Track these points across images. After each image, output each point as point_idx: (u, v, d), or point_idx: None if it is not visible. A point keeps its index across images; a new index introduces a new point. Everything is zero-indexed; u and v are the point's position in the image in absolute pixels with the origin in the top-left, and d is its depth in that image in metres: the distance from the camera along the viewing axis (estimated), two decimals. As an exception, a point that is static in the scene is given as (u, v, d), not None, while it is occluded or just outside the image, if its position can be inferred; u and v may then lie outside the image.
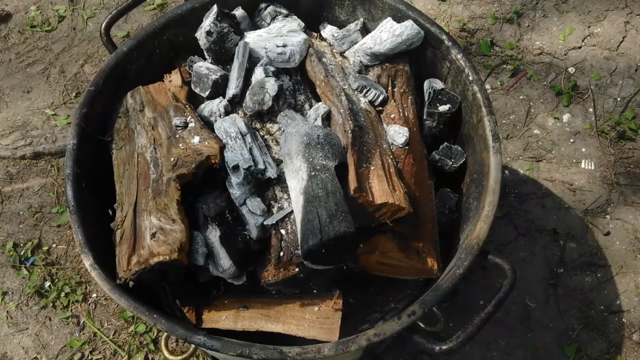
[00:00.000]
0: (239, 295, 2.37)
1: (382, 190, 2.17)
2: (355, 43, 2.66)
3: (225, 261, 2.23)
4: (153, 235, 2.14)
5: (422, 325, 2.28)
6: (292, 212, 2.22)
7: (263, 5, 2.75)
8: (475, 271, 3.21)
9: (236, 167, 2.25)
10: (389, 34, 2.56)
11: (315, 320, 2.22)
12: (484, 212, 2.23)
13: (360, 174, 2.21)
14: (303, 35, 2.57)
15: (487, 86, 3.82)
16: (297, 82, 2.57)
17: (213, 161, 2.28)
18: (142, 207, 2.26)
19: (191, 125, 2.41)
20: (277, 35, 2.56)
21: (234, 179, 2.26)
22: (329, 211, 2.04)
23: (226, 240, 2.25)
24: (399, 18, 2.61)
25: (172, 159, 2.29)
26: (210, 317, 2.33)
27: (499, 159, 2.30)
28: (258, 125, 2.45)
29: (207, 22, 2.55)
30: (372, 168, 2.24)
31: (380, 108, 2.52)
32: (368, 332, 2.05)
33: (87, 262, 2.22)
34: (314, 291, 2.31)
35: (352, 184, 2.18)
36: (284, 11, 2.74)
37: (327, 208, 2.05)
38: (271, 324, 2.25)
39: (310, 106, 2.51)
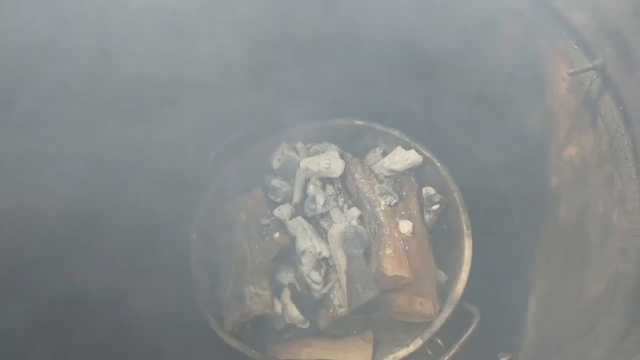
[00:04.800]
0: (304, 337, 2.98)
1: (393, 266, 2.75)
2: (378, 162, 3.26)
3: (295, 312, 2.83)
4: (251, 298, 2.79)
5: (430, 353, 2.82)
6: (338, 282, 2.84)
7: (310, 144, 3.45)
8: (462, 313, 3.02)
9: (303, 252, 2.89)
10: (399, 157, 3.19)
11: (355, 352, 2.86)
12: (461, 276, 2.86)
13: (380, 256, 2.81)
14: (342, 160, 3.22)
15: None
16: (339, 189, 3.18)
17: (285, 245, 2.95)
18: (242, 280, 2.86)
19: (271, 224, 3.06)
20: (324, 159, 3.24)
21: (302, 259, 2.91)
22: (362, 284, 2.69)
23: (296, 299, 2.87)
24: (406, 145, 3.27)
25: (261, 248, 2.95)
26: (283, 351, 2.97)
27: (470, 242, 2.96)
28: (315, 222, 3.08)
29: (275, 157, 3.34)
30: (388, 251, 2.81)
31: (395, 208, 3.06)
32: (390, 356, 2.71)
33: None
34: (354, 332, 2.94)
35: (374, 263, 2.79)
36: (327, 144, 3.43)
37: (361, 282, 2.69)
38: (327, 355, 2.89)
39: (349, 207, 3.11)
